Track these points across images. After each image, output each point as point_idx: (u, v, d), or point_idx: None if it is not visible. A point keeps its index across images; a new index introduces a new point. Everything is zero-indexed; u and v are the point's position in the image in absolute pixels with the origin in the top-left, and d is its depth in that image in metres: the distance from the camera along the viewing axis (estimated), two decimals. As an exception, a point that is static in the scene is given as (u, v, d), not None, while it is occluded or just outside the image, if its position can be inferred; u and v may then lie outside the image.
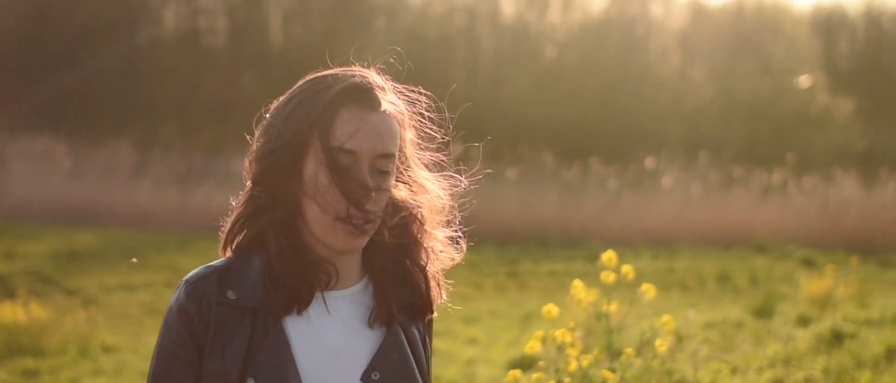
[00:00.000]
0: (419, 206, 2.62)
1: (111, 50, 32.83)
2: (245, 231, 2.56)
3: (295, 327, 2.50)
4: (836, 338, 11.48)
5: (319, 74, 2.57)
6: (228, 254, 2.58)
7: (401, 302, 2.61)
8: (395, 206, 2.59)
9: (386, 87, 2.59)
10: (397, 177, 2.59)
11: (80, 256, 18.65)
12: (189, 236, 21.07)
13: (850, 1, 48.88)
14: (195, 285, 2.51)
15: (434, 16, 35.98)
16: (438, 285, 2.68)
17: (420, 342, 2.65)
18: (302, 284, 2.50)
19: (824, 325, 11.94)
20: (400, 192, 2.60)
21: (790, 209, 23.55)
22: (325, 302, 2.54)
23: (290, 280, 2.49)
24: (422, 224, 2.63)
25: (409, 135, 2.63)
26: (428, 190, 2.65)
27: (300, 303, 2.50)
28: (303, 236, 2.54)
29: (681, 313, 13.52)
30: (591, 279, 6.23)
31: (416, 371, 2.60)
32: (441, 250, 2.69)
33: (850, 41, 40.74)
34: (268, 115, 2.57)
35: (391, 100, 2.58)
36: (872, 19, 40.21)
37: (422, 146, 2.68)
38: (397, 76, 2.69)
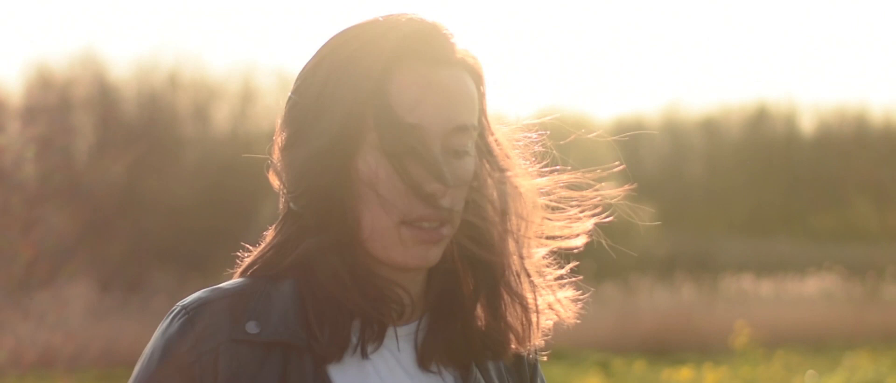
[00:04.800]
0: (509, 201, 1.76)
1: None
2: (281, 259, 1.71)
3: (340, 374, 1.68)
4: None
5: (358, 24, 1.71)
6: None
7: (474, 337, 1.77)
8: (471, 201, 1.74)
9: (453, 32, 1.73)
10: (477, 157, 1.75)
11: None
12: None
13: (649, 112, 50.80)
14: (195, 314, 1.66)
15: (243, 143, 36.10)
16: (537, 319, 1.82)
17: None
18: (367, 318, 1.70)
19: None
20: (486, 182, 1.76)
21: (588, 316, 24.24)
22: (397, 339, 1.74)
23: (353, 311, 1.69)
24: (510, 229, 1.76)
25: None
26: (521, 177, 1.79)
27: (364, 343, 1.70)
28: (359, 256, 1.71)
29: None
30: None
31: None
32: (543, 270, 1.83)
33: (650, 150, 42.28)
34: (292, 94, 1.72)
35: (464, 49, 1.73)
36: (671, 129, 41.91)
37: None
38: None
